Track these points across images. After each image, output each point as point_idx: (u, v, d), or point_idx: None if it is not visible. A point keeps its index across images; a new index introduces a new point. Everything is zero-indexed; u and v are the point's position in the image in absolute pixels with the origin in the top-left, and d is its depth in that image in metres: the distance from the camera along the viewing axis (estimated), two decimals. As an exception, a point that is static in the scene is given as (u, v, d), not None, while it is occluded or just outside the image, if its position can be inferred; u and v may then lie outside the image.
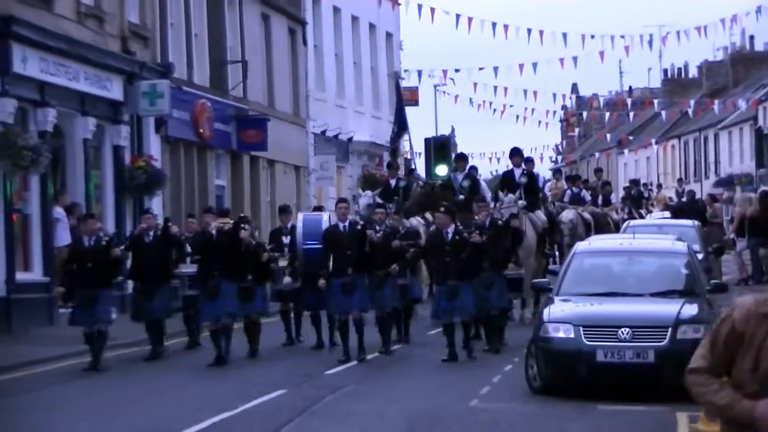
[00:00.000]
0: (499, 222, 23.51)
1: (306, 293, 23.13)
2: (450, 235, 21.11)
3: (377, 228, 22.04)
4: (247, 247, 22.12)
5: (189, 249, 23.84)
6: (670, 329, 17.61)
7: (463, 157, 33.70)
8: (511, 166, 30.59)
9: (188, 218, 27.35)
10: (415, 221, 28.30)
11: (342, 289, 21.13)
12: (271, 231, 26.11)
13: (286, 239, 24.41)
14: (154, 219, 24.00)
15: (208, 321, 21.91)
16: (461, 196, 28.77)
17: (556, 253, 31.87)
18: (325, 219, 23.48)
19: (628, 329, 17.61)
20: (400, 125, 37.72)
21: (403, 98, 55.09)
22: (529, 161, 33.93)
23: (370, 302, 21.60)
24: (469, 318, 21.55)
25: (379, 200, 28.51)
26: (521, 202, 26.90)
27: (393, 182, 31.81)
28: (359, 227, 21.86)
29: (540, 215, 28.73)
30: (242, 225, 22.80)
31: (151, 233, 23.02)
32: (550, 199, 35.20)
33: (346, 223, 21.72)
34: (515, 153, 30.50)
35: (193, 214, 27.66)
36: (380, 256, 21.65)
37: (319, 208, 28.41)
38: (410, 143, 40.03)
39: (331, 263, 21.72)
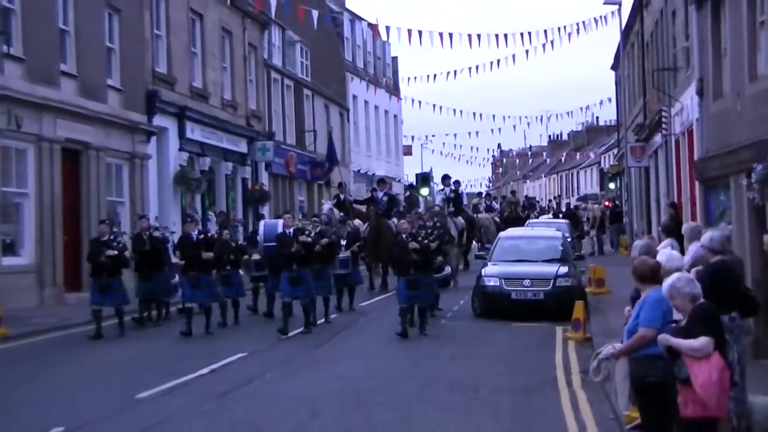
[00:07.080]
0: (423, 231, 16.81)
1: (269, 278, 18.21)
2: (408, 239, 16.18)
3: (313, 233, 17.41)
4: (220, 248, 17.11)
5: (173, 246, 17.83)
6: (552, 280, 17.55)
7: (383, 181, 27.77)
8: (443, 187, 26.27)
9: (139, 218, 19.18)
10: (358, 222, 23.61)
11: (289, 279, 16.29)
12: (249, 232, 21.04)
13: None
14: (106, 226, 16.68)
15: (188, 302, 16.29)
16: (381, 209, 24.41)
17: (475, 243, 28.94)
18: (281, 225, 17.78)
19: (529, 280, 17.58)
20: (331, 161, 34.00)
21: (403, 150, 55.19)
22: (457, 183, 29.64)
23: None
24: (427, 305, 16.35)
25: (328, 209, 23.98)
26: (450, 209, 24.27)
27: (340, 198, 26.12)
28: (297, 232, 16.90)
29: (460, 219, 25.50)
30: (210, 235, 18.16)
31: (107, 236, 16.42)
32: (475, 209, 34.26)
33: (291, 230, 16.79)
34: (445, 178, 26.34)
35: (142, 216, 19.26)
36: (315, 253, 16.95)
37: (278, 217, 22.17)
38: (340, 173, 33.43)
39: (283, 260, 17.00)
